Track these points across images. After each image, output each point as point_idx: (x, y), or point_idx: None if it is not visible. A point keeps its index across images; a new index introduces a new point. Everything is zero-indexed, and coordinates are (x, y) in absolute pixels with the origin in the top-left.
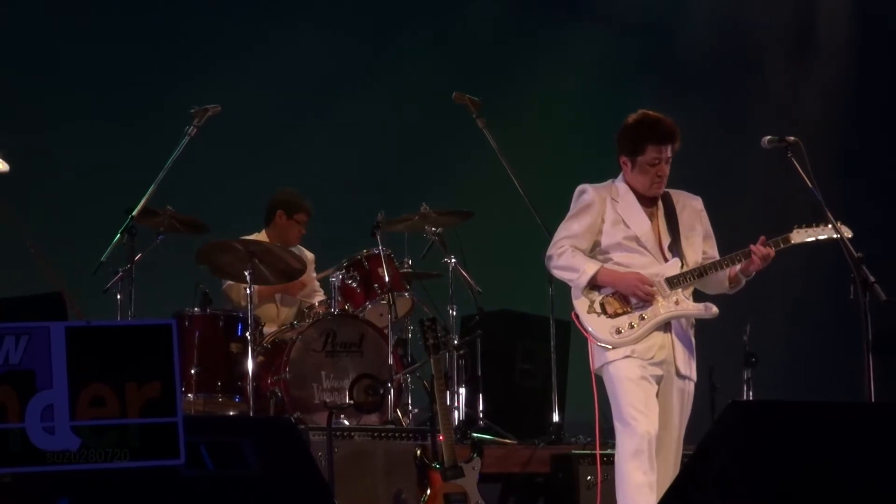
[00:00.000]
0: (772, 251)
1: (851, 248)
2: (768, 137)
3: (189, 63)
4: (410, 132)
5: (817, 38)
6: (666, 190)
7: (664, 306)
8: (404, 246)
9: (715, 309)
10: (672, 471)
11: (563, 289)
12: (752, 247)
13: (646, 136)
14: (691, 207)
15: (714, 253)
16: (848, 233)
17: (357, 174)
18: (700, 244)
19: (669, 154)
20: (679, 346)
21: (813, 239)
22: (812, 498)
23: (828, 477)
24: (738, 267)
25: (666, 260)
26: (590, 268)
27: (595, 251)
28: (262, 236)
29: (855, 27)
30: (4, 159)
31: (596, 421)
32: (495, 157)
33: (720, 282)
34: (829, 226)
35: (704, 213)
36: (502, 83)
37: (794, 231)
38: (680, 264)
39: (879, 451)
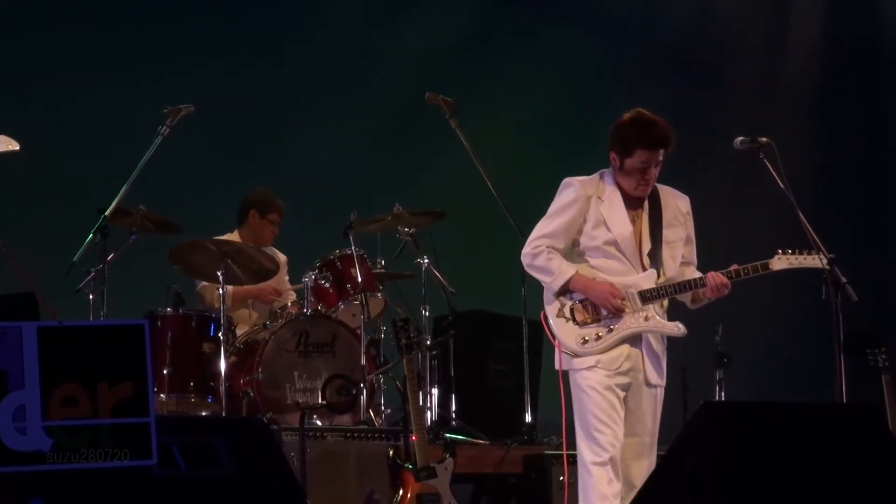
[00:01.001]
0: (727, 281)
1: (824, 249)
2: (740, 138)
3: (162, 62)
4: (383, 132)
5: (788, 41)
6: (655, 185)
7: (634, 320)
8: (377, 246)
9: (683, 329)
10: (646, 474)
11: (536, 289)
12: (709, 274)
13: (637, 139)
14: (677, 208)
15: (692, 258)
16: (825, 262)
17: (330, 174)
18: (681, 251)
19: (660, 158)
20: (648, 357)
21: (796, 267)
22: (784, 498)
23: (799, 477)
24: (700, 292)
25: (644, 268)
26: (565, 272)
27: (573, 251)
28: (234, 236)
29: (826, 29)
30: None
31: (563, 421)
32: (468, 157)
33: (685, 295)
34: (813, 254)
35: (690, 216)
36: (476, 83)
37: (776, 257)
38: (656, 276)
39: (851, 451)
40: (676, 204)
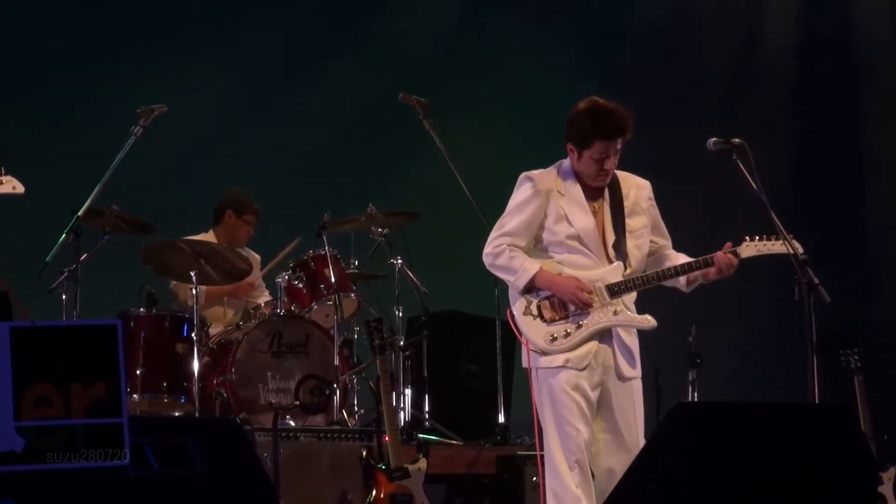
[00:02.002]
0: (735, 260)
1: (797, 250)
2: (714, 139)
3: (135, 62)
4: (357, 133)
5: (762, 43)
6: (614, 172)
7: (602, 315)
8: (350, 246)
9: (653, 322)
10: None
11: (510, 290)
12: (717, 254)
13: (593, 130)
14: (639, 196)
15: (665, 243)
16: (799, 249)
17: (303, 175)
18: (647, 238)
19: (619, 147)
20: (619, 351)
21: (765, 253)
22: (757, 498)
23: (772, 477)
24: (698, 272)
25: (610, 261)
26: (529, 269)
27: (536, 247)
28: (209, 236)
29: (799, 32)
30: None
31: (535, 421)
32: (441, 157)
33: (676, 280)
34: (780, 240)
35: (653, 201)
36: (449, 84)
37: (744, 244)
38: (623, 268)
39: (824, 451)
40: (637, 191)
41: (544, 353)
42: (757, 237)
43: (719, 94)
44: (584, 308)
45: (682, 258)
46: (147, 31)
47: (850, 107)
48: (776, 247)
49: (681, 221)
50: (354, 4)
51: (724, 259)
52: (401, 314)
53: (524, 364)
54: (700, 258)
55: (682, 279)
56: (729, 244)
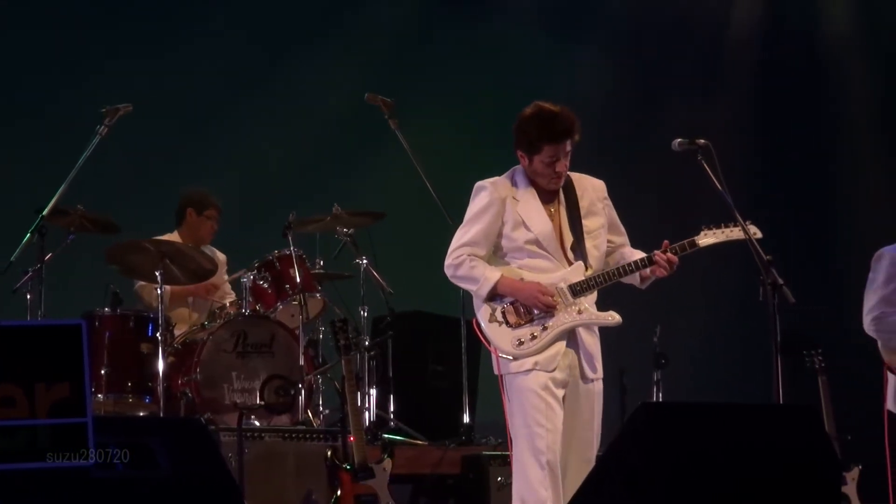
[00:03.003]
0: (675, 258)
1: (761, 251)
2: (678, 140)
3: (100, 61)
4: (322, 133)
5: (728, 42)
6: (568, 174)
7: (567, 315)
8: (316, 247)
9: (618, 318)
10: (585, 473)
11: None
12: (655, 253)
13: (540, 135)
14: (594, 195)
15: (622, 240)
16: (757, 233)
17: (269, 175)
18: (604, 239)
19: (568, 149)
20: (584, 351)
21: (723, 240)
22: (721, 498)
23: (737, 477)
24: (646, 270)
25: (569, 262)
26: (490, 277)
27: (496, 255)
28: (174, 237)
29: (765, 31)
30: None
31: (506, 423)
32: (407, 157)
33: (633, 277)
34: (739, 226)
35: (608, 200)
36: (415, 84)
37: (702, 233)
38: (584, 268)
39: (788, 451)
40: (592, 191)
41: (513, 357)
42: (713, 226)
43: (684, 93)
44: (548, 311)
45: (638, 254)
46: (112, 31)
47: (815, 105)
48: (734, 233)
49: (644, 221)
50: (320, 4)
51: (661, 257)
52: (366, 314)
53: (495, 371)
54: (644, 256)
55: (637, 277)
56: (666, 242)
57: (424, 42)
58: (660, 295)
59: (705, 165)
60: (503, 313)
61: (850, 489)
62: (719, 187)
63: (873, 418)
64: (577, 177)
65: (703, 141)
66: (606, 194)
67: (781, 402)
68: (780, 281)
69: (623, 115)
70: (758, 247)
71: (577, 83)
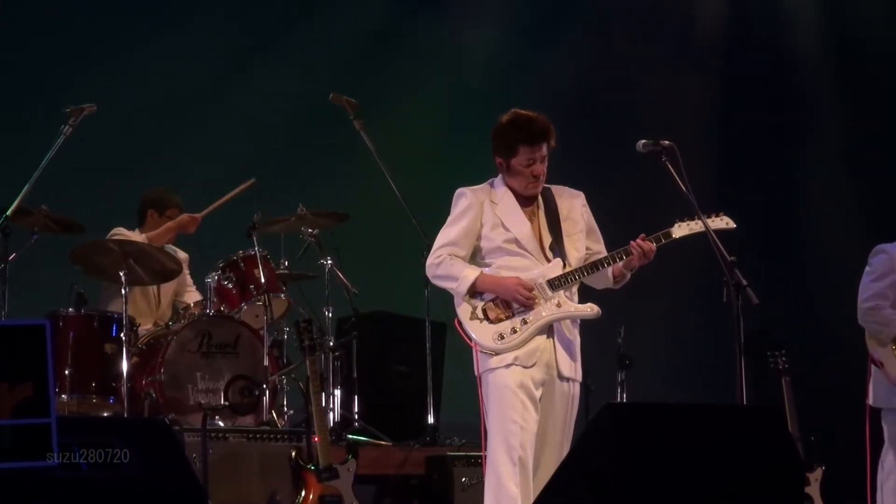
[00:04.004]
0: (652, 245)
1: (724, 252)
2: (643, 141)
3: (65, 61)
4: (287, 133)
5: (694, 40)
6: (547, 186)
7: (546, 309)
8: (280, 247)
9: (597, 309)
10: (552, 472)
11: (439, 290)
12: (631, 243)
13: (517, 137)
14: (572, 203)
15: (599, 248)
16: (731, 224)
17: (233, 175)
18: (583, 241)
19: (544, 153)
20: (561, 349)
21: (697, 231)
22: (685, 499)
23: (701, 478)
24: (620, 263)
25: (548, 261)
26: (469, 274)
27: (476, 256)
28: (136, 236)
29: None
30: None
31: (482, 424)
32: (372, 158)
33: (605, 278)
34: (712, 218)
35: (587, 208)
36: (380, 84)
37: (676, 225)
38: (562, 265)
39: (752, 452)
40: (571, 201)
41: (495, 352)
42: (686, 218)
43: (650, 90)
44: (527, 304)
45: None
46: (76, 31)
47: (779, 103)
48: (709, 224)
49: (614, 220)
50: (283, 4)
51: (638, 247)
52: (330, 315)
53: (476, 371)
54: (620, 250)
55: (610, 275)
56: (643, 234)
57: (389, 42)
58: (624, 296)
59: (669, 167)
60: (483, 310)
61: (814, 489)
62: (684, 188)
63: (837, 419)
64: (557, 189)
65: (667, 142)
66: (586, 203)
67: (745, 402)
68: (744, 282)
69: (590, 112)
70: (722, 248)
71: (543, 81)
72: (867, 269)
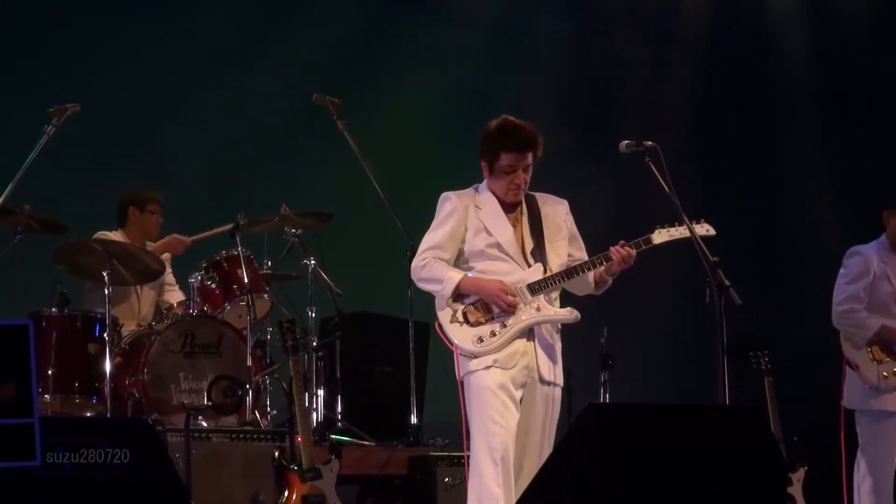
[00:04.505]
0: (632, 251)
1: (707, 252)
2: (626, 142)
3: (47, 61)
4: (270, 133)
5: (677, 38)
6: (531, 193)
7: (526, 313)
8: (264, 247)
9: (577, 314)
10: (533, 474)
11: (422, 291)
12: (611, 249)
13: (502, 143)
14: (556, 211)
15: (581, 255)
16: (710, 231)
17: (217, 175)
18: (565, 248)
19: (529, 161)
20: (542, 352)
21: (677, 238)
22: (667, 499)
23: (683, 478)
24: (601, 269)
25: (529, 266)
26: (453, 277)
27: (459, 260)
28: (118, 236)
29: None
30: None
31: (463, 426)
32: (356, 159)
33: (587, 283)
34: (693, 224)
35: (570, 216)
36: (364, 85)
37: (656, 231)
38: (542, 270)
39: (734, 452)
40: (555, 208)
41: (474, 355)
42: (666, 225)
43: (633, 92)
44: (509, 310)
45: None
46: (60, 30)
47: (763, 104)
48: (688, 231)
49: (594, 224)
50: (267, 4)
51: (618, 252)
52: (314, 315)
53: (457, 376)
54: (600, 255)
55: (591, 281)
56: (622, 242)
57: (373, 43)
58: (607, 296)
59: (652, 167)
60: (464, 313)
61: (796, 490)
62: (667, 189)
63: (819, 419)
64: (540, 195)
65: (650, 143)
66: (569, 211)
67: (727, 403)
68: (727, 282)
69: (571, 115)
70: (704, 248)
71: (525, 83)
72: (842, 271)
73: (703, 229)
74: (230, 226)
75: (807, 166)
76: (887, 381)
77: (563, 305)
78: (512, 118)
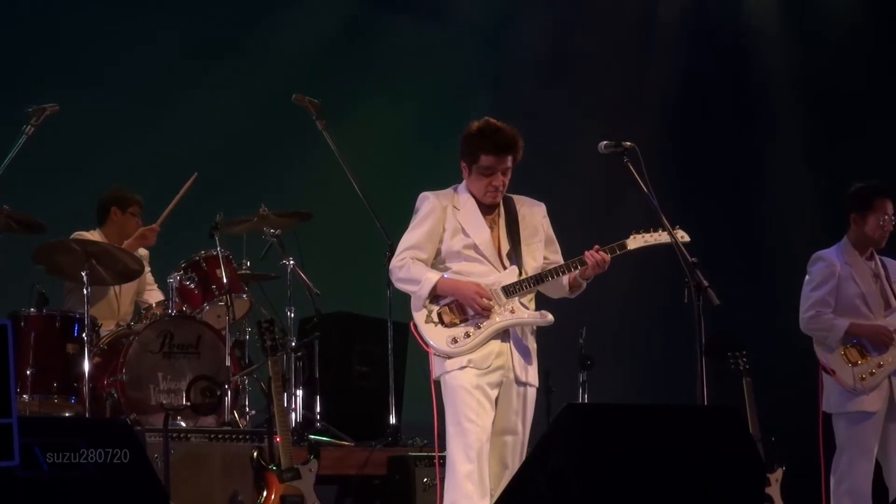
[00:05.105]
0: (607, 256)
1: (686, 253)
2: (605, 142)
3: (26, 60)
4: (250, 133)
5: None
6: (509, 195)
7: (500, 315)
8: (243, 247)
9: (550, 317)
10: (510, 475)
11: (402, 292)
12: (586, 253)
13: (482, 145)
14: (533, 214)
15: (557, 258)
16: (685, 237)
17: (195, 174)
18: (541, 251)
19: (508, 164)
20: (517, 353)
21: (651, 244)
22: (645, 499)
23: (661, 478)
24: (575, 272)
25: (505, 268)
26: (430, 278)
27: (435, 260)
28: (96, 235)
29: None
30: None
31: (434, 427)
32: (335, 159)
33: (561, 286)
34: (667, 231)
35: (547, 220)
36: (343, 85)
37: (631, 237)
38: (518, 272)
39: (712, 452)
40: (532, 210)
41: (448, 356)
42: (642, 230)
43: (611, 92)
44: (483, 313)
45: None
46: (37, 30)
47: (741, 107)
48: (663, 237)
49: (573, 224)
50: (246, 4)
51: (592, 257)
52: (293, 315)
53: (431, 376)
54: (575, 259)
55: (566, 284)
56: (597, 246)
57: (352, 43)
58: (585, 296)
59: (631, 168)
60: (439, 314)
61: (774, 490)
62: (645, 189)
63: (797, 420)
64: (518, 198)
65: (628, 143)
66: (546, 214)
67: (706, 403)
68: (705, 283)
69: (551, 116)
70: (683, 249)
71: (503, 84)
72: (807, 278)
73: (679, 235)
74: (189, 182)
75: (787, 169)
76: (864, 382)
77: (538, 307)
78: (494, 120)
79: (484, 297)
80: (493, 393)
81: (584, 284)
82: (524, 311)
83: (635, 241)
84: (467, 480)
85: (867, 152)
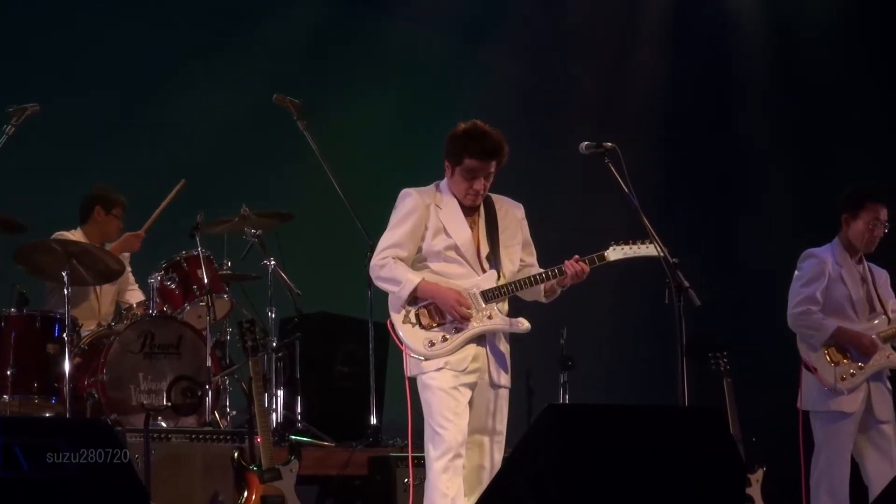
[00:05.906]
0: (586, 267)
1: (667, 254)
2: (585, 143)
3: (6, 60)
4: (231, 133)
5: (638, 39)
6: (489, 195)
7: (477, 320)
8: (223, 247)
9: (527, 324)
10: (490, 475)
11: (382, 292)
12: (566, 263)
13: (466, 147)
14: (512, 215)
15: (532, 261)
16: (664, 251)
17: (177, 176)
18: (518, 253)
19: (491, 169)
20: (492, 357)
21: (631, 256)
22: (626, 500)
23: (642, 479)
24: (553, 280)
25: (483, 270)
26: (412, 280)
27: (415, 258)
28: (77, 234)
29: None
30: None
31: (409, 425)
32: (316, 159)
33: (537, 292)
34: (647, 243)
35: (525, 222)
36: (324, 86)
37: (611, 248)
38: (496, 276)
39: (693, 453)
40: (511, 211)
41: (424, 357)
42: (622, 241)
43: (593, 93)
44: (463, 321)
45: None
46: (18, 30)
47: (721, 108)
48: (643, 249)
49: (552, 231)
50: (228, 4)
51: (572, 267)
52: (273, 315)
53: (407, 374)
54: (554, 267)
55: (541, 290)
56: (577, 256)
57: (333, 43)
58: (566, 297)
59: (613, 169)
60: (417, 315)
61: (755, 490)
62: (626, 190)
63: (778, 420)
64: (497, 198)
65: (610, 144)
66: (524, 215)
67: (687, 404)
68: (686, 283)
69: (532, 117)
70: (664, 250)
71: (485, 84)
72: (797, 273)
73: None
74: (176, 189)
75: (767, 170)
76: (845, 382)
77: (515, 309)
78: (481, 123)
79: (463, 306)
80: (468, 394)
81: (560, 292)
82: (501, 318)
83: (614, 253)
84: (443, 482)
85: (845, 153)
